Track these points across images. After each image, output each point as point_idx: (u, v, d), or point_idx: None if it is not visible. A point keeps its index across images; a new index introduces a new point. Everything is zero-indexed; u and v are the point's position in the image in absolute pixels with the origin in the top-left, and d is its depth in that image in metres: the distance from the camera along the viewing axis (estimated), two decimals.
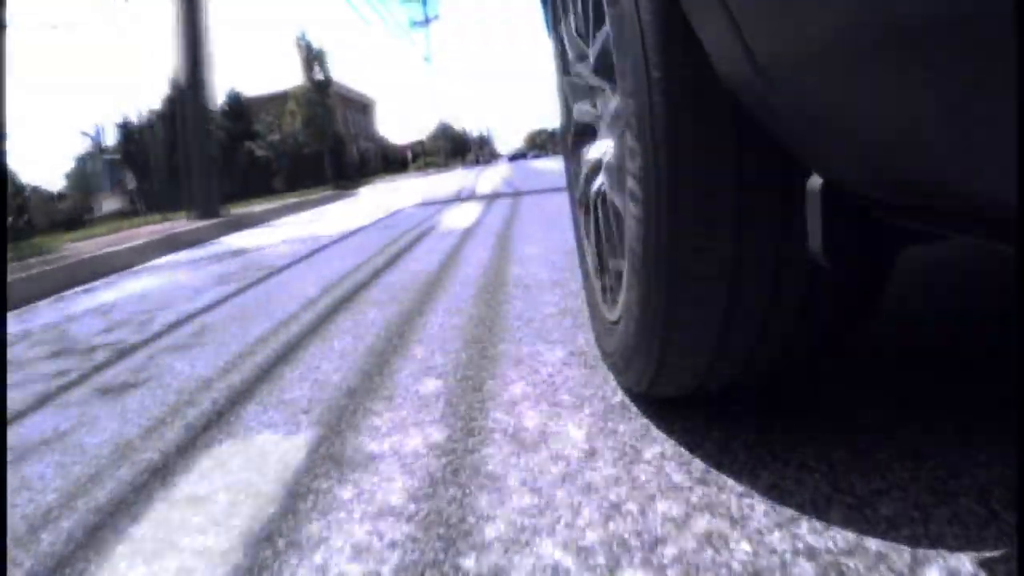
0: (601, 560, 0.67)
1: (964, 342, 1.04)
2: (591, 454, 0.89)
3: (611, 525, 0.72)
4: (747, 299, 0.66)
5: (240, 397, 1.39)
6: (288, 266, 3.57)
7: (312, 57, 30.74)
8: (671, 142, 0.59)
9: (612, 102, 0.87)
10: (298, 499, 0.90)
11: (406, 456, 0.98)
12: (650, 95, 0.60)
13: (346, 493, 0.89)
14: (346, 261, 3.40)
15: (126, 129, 31.83)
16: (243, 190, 25.13)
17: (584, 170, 1.14)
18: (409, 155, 56.09)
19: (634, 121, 0.64)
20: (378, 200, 10.43)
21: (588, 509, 0.76)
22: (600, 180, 1.02)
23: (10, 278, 4.09)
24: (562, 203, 4.62)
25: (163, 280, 3.84)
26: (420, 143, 65.45)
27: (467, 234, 3.82)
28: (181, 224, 8.45)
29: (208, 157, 9.01)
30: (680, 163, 0.60)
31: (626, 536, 0.70)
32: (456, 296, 2.07)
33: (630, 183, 0.68)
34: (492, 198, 6.90)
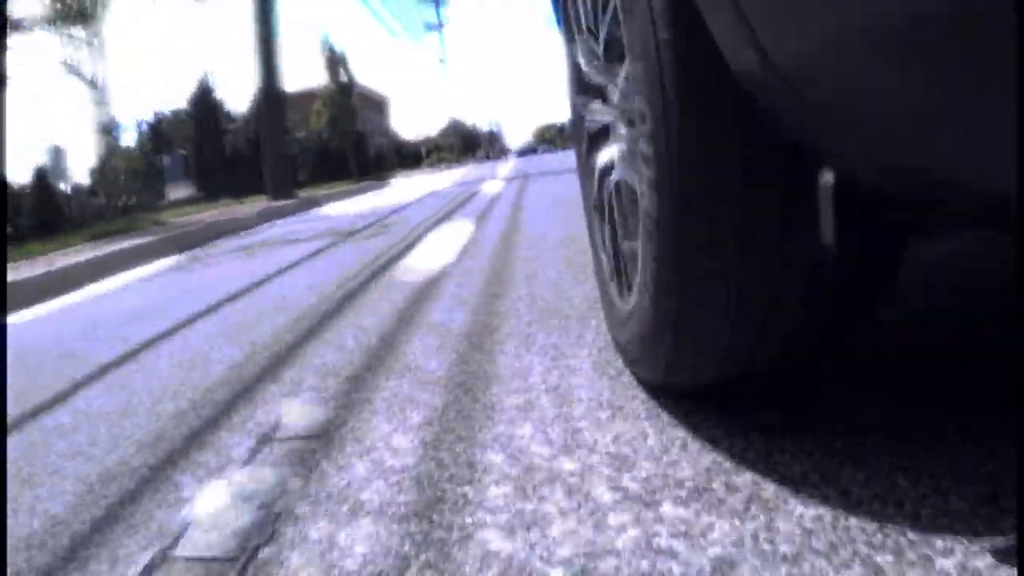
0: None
1: (964, 342, 1.01)
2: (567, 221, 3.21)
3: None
4: (758, 279, 0.65)
5: (425, 231, 3.72)
6: (396, 211, 5.93)
7: (335, 60, 33.18)
8: (681, 107, 0.58)
9: (623, 71, 0.82)
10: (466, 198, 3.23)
11: (504, 204, 3.31)
12: (659, 59, 0.59)
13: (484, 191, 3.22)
14: (428, 211, 5.75)
15: (158, 126, 34.44)
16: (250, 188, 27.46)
17: (597, 172, 1.14)
18: (423, 151, 58.58)
19: (644, 87, 0.63)
20: (413, 186, 12.82)
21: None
22: (614, 176, 1.00)
23: (174, 233, 6.51)
24: (556, 180, 6.92)
25: (315, 222, 6.20)
26: (431, 139, 67.94)
27: (496, 196, 6.17)
28: (265, 203, 10.82)
29: (284, 150, 11.43)
30: (687, 130, 0.59)
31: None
32: (498, 212, 4.41)
33: (642, 145, 0.67)
34: (509, 179, 9.23)
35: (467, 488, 0.80)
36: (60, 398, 1.56)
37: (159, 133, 34.51)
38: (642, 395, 0.98)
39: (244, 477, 0.94)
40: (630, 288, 0.92)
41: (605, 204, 1.10)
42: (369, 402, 1.15)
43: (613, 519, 0.69)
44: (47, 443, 1.26)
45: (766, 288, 0.66)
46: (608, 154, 1.05)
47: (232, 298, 2.60)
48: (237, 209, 10.38)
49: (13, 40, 10.90)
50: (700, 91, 0.57)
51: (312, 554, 0.72)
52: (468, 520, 0.73)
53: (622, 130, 0.91)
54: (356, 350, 1.51)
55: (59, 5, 10.45)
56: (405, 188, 12.36)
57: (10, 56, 14.01)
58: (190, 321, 2.25)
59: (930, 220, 0.56)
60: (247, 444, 1.06)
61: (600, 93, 1.08)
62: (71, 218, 13.71)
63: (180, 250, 5.74)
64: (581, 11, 1.05)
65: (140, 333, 2.19)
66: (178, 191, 24.28)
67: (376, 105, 55.68)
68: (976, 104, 0.33)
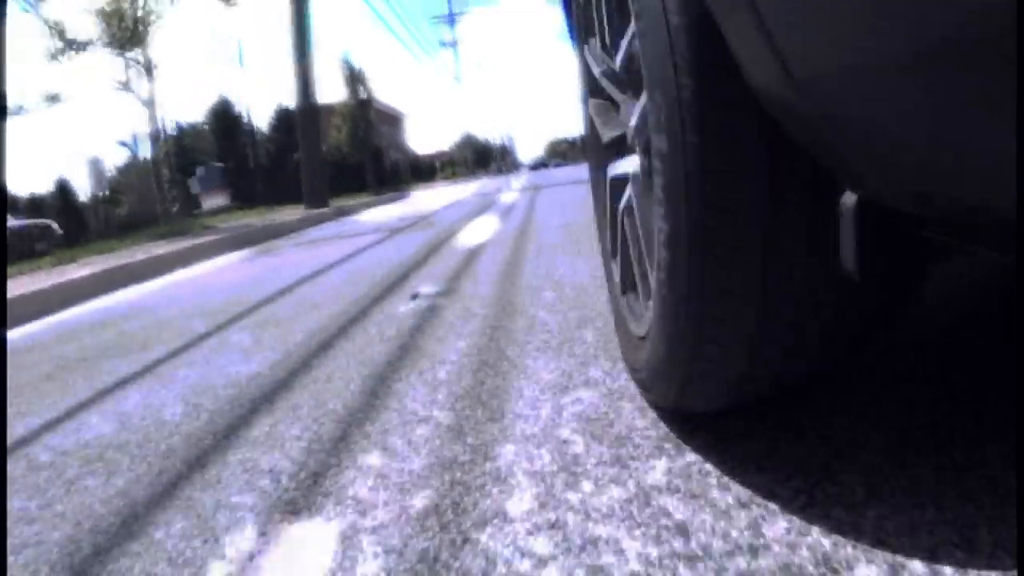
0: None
1: (964, 342, 1.02)
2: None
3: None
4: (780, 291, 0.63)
5: (461, 226, 4.84)
6: (428, 215, 7.07)
7: (354, 77, 34.68)
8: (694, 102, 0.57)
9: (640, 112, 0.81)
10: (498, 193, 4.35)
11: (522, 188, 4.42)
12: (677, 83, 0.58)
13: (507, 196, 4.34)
14: (457, 213, 6.88)
15: (180, 138, 36.09)
16: (294, 195, 28.90)
17: (610, 187, 1.14)
18: (437, 165, 60.12)
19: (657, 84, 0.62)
20: (434, 197, 14.01)
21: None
22: (628, 193, 0.99)
23: (232, 234, 7.68)
24: (563, 190, 8.03)
25: (358, 225, 7.34)
26: (445, 153, 69.54)
27: (513, 203, 7.29)
28: (302, 211, 12.02)
29: (319, 163, 12.66)
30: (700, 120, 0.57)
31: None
32: (517, 209, 5.52)
33: (655, 140, 0.65)
34: (523, 189, 10.38)
35: (518, 270, 1.91)
36: (286, 290, 2.68)
37: (183, 146, 36.15)
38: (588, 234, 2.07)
39: (412, 304, 2.05)
40: (644, 305, 0.90)
41: (618, 221, 1.08)
42: (459, 286, 2.27)
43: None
44: (308, 294, 2.37)
45: (785, 315, 0.65)
46: (621, 168, 1.05)
47: (332, 266, 3.73)
48: (276, 216, 11.56)
49: (76, 59, 12.29)
50: (719, 110, 0.56)
51: (457, 304, 1.83)
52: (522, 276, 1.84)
53: (636, 148, 0.90)
54: (441, 273, 2.65)
55: (115, 30, 11.75)
56: (427, 199, 13.56)
57: (72, 73, 15.34)
58: (312, 276, 3.37)
59: (959, 239, 0.54)
60: (407, 298, 2.18)
61: (614, 106, 1.09)
62: (95, 227, 14.76)
63: (246, 246, 6.89)
64: (596, 25, 1.05)
65: (285, 279, 3.31)
66: (210, 200, 25.60)
67: (392, 120, 57.30)
68: (1005, 129, 0.32)
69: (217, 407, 1.38)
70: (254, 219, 11.73)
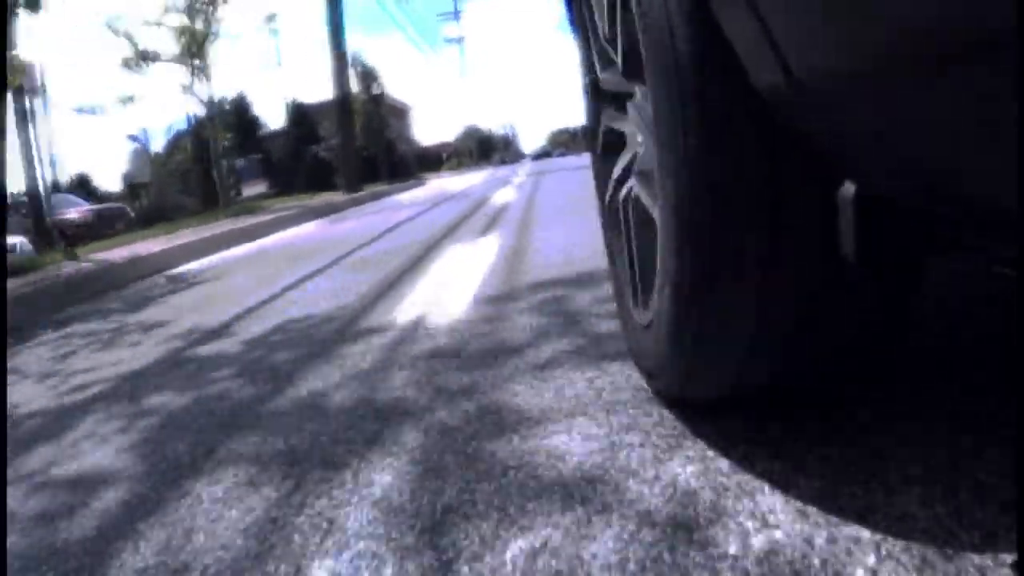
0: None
1: (964, 343, 1.02)
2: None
3: None
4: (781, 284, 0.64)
5: (487, 197, 6.93)
6: (455, 195, 9.18)
7: (368, 74, 36.73)
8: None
9: (641, 104, 0.84)
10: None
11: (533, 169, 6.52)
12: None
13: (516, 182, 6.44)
14: (480, 191, 8.95)
15: (198, 131, 38.11)
16: (318, 184, 30.76)
17: (613, 178, 1.14)
18: (444, 156, 62.12)
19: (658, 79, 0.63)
20: (449, 183, 16.13)
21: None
22: (631, 184, 0.99)
23: (296, 211, 9.77)
24: (565, 174, 10.06)
25: (397, 202, 9.41)
26: (449, 144, 71.38)
27: (522, 183, 9.37)
28: (342, 195, 14.07)
29: (353, 153, 14.75)
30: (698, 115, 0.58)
31: None
32: (528, 184, 7.61)
33: (656, 133, 0.67)
34: (529, 174, 12.44)
35: (540, 183, 4.02)
36: (385, 231, 4.76)
37: (201, 138, 38.14)
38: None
39: (486, 237, 4.16)
40: (647, 294, 0.90)
41: (620, 210, 1.08)
42: (504, 218, 4.37)
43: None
44: (407, 228, 4.46)
45: (788, 305, 0.66)
46: (624, 161, 1.05)
47: (404, 222, 5.81)
48: (322, 199, 13.60)
49: (151, 68, 14.45)
50: (720, 104, 0.57)
51: (505, 214, 3.95)
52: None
53: (639, 139, 0.89)
54: (488, 218, 4.74)
55: (182, 44, 13.88)
56: (443, 184, 15.59)
57: (145, 79, 17.44)
58: (395, 227, 5.46)
59: (957, 233, 0.55)
60: (481, 230, 4.28)
61: (616, 99, 1.09)
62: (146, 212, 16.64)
63: (318, 217, 8.96)
64: (597, 18, 1.05)
65: (378, 228, 5.38)
66: (249, 189, 27.59)
67: (399, 113, 59.06)
68: (1009, 127, 0.32)
69: (412, 244, 3.47)
70: (305, 201, 13.70)
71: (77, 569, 0.85)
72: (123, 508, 1.00)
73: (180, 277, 4.47)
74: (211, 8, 13.58)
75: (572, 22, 1.36)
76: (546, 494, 0.79)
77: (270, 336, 2.00)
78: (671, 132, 0.62)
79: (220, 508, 0.93)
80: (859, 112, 0.43)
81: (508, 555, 0.69)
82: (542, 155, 57.13)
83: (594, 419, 0.97)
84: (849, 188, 0.54)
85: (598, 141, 1.29)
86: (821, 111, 0.48)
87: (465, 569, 0.68)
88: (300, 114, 40.02)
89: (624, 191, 1.04)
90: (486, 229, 3.93)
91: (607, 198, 1.22)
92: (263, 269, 3.95)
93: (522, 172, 15.23)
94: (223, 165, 14.64)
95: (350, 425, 1.14)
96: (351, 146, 14.89)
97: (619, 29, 0.87)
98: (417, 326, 1.76)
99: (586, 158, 1.25)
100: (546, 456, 0.89)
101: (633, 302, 1.01)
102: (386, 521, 0.80)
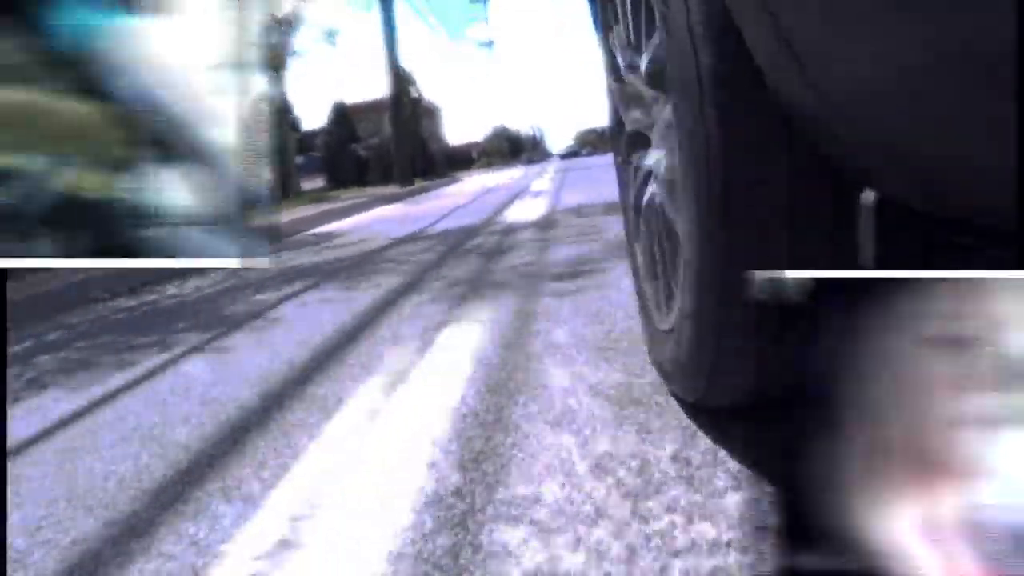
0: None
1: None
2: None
3: None
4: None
5: (527, 186, 9.04)
6: (495, 189, 11.33)
7: (403, 78, 39.05)
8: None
9: (665, 111, 0.86)
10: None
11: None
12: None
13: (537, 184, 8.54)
14: (516, 185, 11.06)
15: None
16: (353, 182, 32.90)
17: (637, 178, 1.16)
18: (474, 155, 64.17)
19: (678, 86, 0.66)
20: (485, 179, 18.09)
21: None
22: (652, 189, 1.01)
23: (364, 200, 11.99)
24: (589, 170, 12.09)
25: (449, 192, 11.56)
26: (479, 144, 73.09)
27: (552, 176, 11.43)
28: (397, 188, 16.17)
29: (406, 151, 17.01)
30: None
31: None
32: (558, 178, 9.70)
33: (679, 139, 0.69)
34: (558, 170, 14.52)
35: (566, 177, 6.13)
36: (456, 208, 6.90)
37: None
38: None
39: (535, 199, 6.29)
40: (669, 300, 0.92)
41: (643, 210, 1.10)
42: (547, 191, 6.54)
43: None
44: (467, 204, 6.57)
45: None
46: (647, 167, 1.06)
47: (468, 203, 7.95)
48: (381, 191, 15.68)
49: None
50: (741, 114, 0.58)
51: (544, 191, 6.09)
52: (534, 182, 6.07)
53: (662, 146, 0.91)
54: (533, 193, 6.90)
55: (266, 57, 16.43)
56: (479, 181, 17.48)
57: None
58: (464, 204, 7.58)
59: (976, 238, 0.55)
60: (531, 197, 6.41)
61: (640, 104, 1.11)
62: None
63: (387, 203, 11.06)
64: (620, 18, 1.06)
65: (449, 207, 7.50)
66: (308, 184, 29.76)
67: (430, 113, 61.09)
68: (1011, 134, 0.33)
69: (488, 206, 5.60)
70: (368, 191, 15.70)
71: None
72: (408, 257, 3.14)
73: (324, 235, 6.30)
74: (288, 30, 16.02)
75: (595, 21, 1.35)
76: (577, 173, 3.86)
77: (442, 233, 4.16)
78: (693, 139, 0.64)
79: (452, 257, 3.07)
80: (880, 122, 0.44)
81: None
82: (570, 155, 55.69)
83: (594, 239, 3.10)
84: (869, 195, 0.56)
85: (621, 146, 1.30)
86: (842, 122, 0.49)
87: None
88: (342, 114, 42.42)
89: (646, 198, 1.07)
90: (535, 196, 6.00)
91: (630, 205, 1.24)
92: (392, 226, 5.95)
93: (551, 169, 17.36)
94: (295, 162, 17.00)
95: (520, 230, 3.31)
96: (404, 145, 17.17)
97: (643, 37, 0.89)
98: (520, 218, 3.96)
99: (610, 157, 1.49)
100: (579, 226, 3.33)
101: (656, 308, 1.05)
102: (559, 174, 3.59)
